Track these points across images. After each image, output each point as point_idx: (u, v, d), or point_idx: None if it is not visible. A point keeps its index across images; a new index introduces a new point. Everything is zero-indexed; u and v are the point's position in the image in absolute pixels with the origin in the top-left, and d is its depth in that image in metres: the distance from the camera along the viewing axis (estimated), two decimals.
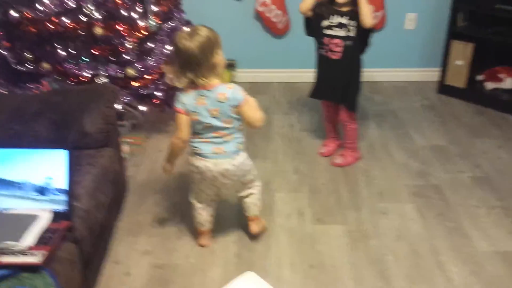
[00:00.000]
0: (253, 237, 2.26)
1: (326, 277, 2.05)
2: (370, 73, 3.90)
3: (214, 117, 1.88)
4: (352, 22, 2.48)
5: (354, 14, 2.46)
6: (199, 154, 1.97)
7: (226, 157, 1.97)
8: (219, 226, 2.33)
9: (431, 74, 3.90)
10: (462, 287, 2.00)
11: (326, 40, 2.55)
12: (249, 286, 0.81)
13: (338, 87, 2.66)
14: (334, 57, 2.57)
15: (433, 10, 3.73)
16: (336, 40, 2.53)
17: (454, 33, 3.54)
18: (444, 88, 3.71)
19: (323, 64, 2.66)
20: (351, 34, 2.51)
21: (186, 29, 1.89)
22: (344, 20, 2.48)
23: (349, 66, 2.61)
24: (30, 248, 1.50)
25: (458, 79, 3.61)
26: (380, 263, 2.12)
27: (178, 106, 1.90)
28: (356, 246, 2.22)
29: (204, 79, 1.82)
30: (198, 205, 2.15)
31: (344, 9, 2.48)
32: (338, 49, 2.55)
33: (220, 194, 2.18)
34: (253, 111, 1.92)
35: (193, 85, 1.85)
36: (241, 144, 2.01)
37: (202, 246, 2.23)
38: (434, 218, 2.40)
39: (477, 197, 2.55)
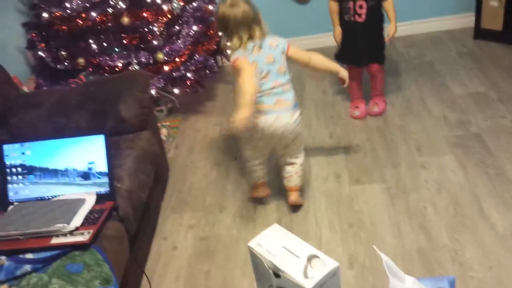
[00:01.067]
0: (292, 208, 2.31)
1: (366, 235, 2.08)
2: (403, 27, 3.79)
3: (270, 64, 2.03)
4: None
5: None
6: (262, 110, 2.02)
7: (287, 111, 2.06)
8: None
9: (466, 20, 3.73)
10: (505, 232, 1.98)
11: (350, 3, 2.57)
12: (275, 237, 0.87)
13: (365, 49, 2.70)
14: (359, 19, 2.59)
15: None
16: (360, 2, 2.55)
17: None
18: (480, 33, 3.56)
19: (348, 28, 2.68)
20: None
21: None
22: None
23: (373, 26, 2.64)
24: (78, 229, 1.63)
25: (494, 22, 3.45)
26: (420, 216, 2.13)
27: (241, 57, 1.99)
28: (395, 202, 2.23)
29: (258, 31, 2.02)
30: (254, 161, 2.26)
31: None
32: (362, 11, 2.56)
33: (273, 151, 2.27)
34: (300, 51, 2.13)
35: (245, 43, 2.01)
36: (295, 99, 2.12)
37: (262, 197, 2.37)
38: (475, 166, 2.36)
39: None
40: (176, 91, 2.94)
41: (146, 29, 2.65)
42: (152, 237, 2.27)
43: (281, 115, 2.04)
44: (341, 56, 2.78)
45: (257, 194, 2.37)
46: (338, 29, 2.72)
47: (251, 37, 2.01)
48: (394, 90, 3.13)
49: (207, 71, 2.97)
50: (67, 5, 2.56)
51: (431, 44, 3.68)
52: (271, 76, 2.03)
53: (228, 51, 2.19)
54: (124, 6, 2.58)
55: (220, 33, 2.10)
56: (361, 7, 2.56)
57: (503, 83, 2.99)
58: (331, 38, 2.82)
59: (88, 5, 2.57)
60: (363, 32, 2.65)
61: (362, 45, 2.69)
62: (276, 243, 0.87)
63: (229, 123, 2.10)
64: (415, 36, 3.81)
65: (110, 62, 2.69)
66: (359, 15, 2.58)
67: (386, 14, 2.68)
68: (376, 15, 2.62)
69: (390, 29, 2.67)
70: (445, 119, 2.76)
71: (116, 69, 2.71)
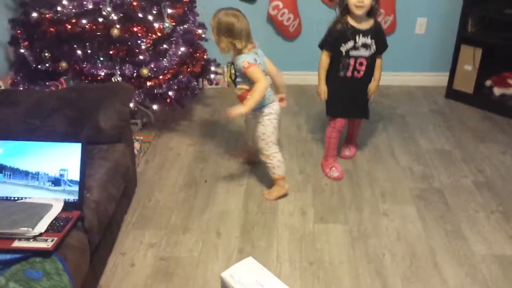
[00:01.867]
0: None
1: (325, 274, 2.13)
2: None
3: (265, 66, 2.48)
4: (374, 41, 2.56)
5: (375, 32, 2.55)
6: (272, 100, 2.51)
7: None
8: (223, 221, 2.43)
9: (440, 79, 3.94)
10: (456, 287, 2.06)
11: (352, 60, 2.58)
12: (249, 270, 0.89)
13: (361, 103, 2.77)
14: (357, 75, 2.62)
15: (443, 15, 3.77)
16: (361, 60, 2.58)
17: (463, 38, 3.58)
18: (452, 93, 3.75)
19: (344, 84, 2.64)
20: (372, 51, 2.58)
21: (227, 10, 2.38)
22: (368, 40, 2.54)
23: (367, 81, 2.70)
24: (42, 235, 1.61)
25: (466, 84, 3.65)
26: (378, 262, 2.19)
27: (251, 61, 2.34)
28: (356, 245, 2.29)
29: (253, 41, 2.42)
30: (279, 153, 2.57)
31: (365, 26, 2.53)
32: (362, 68, 2.61)
33: None
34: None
35: (242, 48, 2.37)
36: None
37: (287, 193, 2.64)
38: (434, 220, 2.46)
39: (477, 202, 2.59)
40: (155, 107, 2.95)
41: (134, 43, 2.67)
42: (111, 251, 2.24)
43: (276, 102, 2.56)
44: (334, 111, 2.75)
45: (284, 190, 2.63)
46: (324, 86, 2.67)
47: (251, 45, 2.40)
48: (365, 136, 3.23)
49: (188, 92, 3.00)
50: (59, 8, 2.56)
51: (404, 97, 3.84)
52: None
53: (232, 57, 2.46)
54: (116, 18, 2.59)
55: (215, 38, 2.31)
56: (361, 64, 2.59)
57: (468, 145, 3.14)
58: (315, 76, 2.82)
59: (81, 12, 2.57)
60: (359, 88, 2.69)
61: (356, 99, 2.73)
62: (249, 276, 0.90)
63: (226, 109, 2.33)
64: (390, 87, 3.97)
65: (93, 70, 2.68)
66: (358, 71, 2.61)
67: None
68: (371, 72, 2.67)
69: (372, 86, 2.72)
70: (410, 170, 2.87)
71: (98, 78, 2.70)
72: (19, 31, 2.87)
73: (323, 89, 2.69)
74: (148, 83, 2.79)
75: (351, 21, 2.53)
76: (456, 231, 2.38)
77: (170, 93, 2.90)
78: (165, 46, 2.80)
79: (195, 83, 3.08)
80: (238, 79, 2.43)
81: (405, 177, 2.81)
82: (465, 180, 2.78)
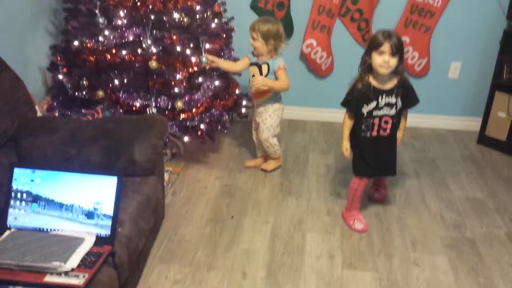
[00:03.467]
0: None
1: None
2: (411, 119, 3.88)
3: None
4: (400, 98, 2.48)
5: (400, 90, 2.47)
6: (281, 98, 3.09)
7: None
8: (248, 261, 2.39)
9: (472, 124, 3.88)
10: None
11: (376, 120, 2.50)
12: None
13: (388, 161, 2.66)
14: (384, 134, 2.54)
15: (478, 60, 3.74)
16: (386, 118, 2.51)
17: (498, 85, 3.53)
18: (484, 139, 3.69)
19: (370, 144, 2.56)
20: (398, 108, 2.51)
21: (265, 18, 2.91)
22: (392, 100, 2.46)
23: (394, 138, 2.61)
24: (74, 270, 1.59)
25: (499, 131, 3.59)
26: None
27: (285, 65, 2.89)
28: None
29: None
30: (277, 141, 3.15)
31: (389, 86, 2.46)
32: (388, 126, 2.53)
33: None
34: None
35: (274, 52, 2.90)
36: None
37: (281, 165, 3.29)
38: (466, 272, 2.38)
39: (511, 254, 2.51)
40: (185, 139, 2.96)
41: (170, 76, 2.69)
42: (136, 285, 2.21)
43: None
44: (361, 171, 2.64)
45: (280, 162, 3.29)
46: (347, 143, 2.60)
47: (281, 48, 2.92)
48: (395, 178, 3.18)
49: (219, 125, 3.01)
50: (101, 38, 2.61)
51: (435, 140, 3.79)
52: None
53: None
54: (155, 51, 2.63)
55: (260, 41, 2.82)
56: (386, 122, 2.51)
57: (501, 193, 3.06)
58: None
59: (121, 43, 2.61)
60: (387, 145, 2.59)
61: (384, 157, 2.62)
62: None
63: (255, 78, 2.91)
64: (421, 130, 3.93)
65: (129, 100, 2.71)
66: (384, 129, 2.52)
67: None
68: (396, 128, 2.58)
69: (399, 135, 2.64)
70: (442, 218, 2.80)
71: (134, 108, 2.73)
72: (59, 58, 2.94)
73: (346, 147, 2.60)
74: (182, 116, 2.80)
75: (373, 81, 2.44)
76: (489, 285, 2.30)
77: (202, 126, 2.91)
78: (200, 79, 2.82)
79: (227, 117, 3.09)
80: (268, 76, 2.90)
81: (436, 225, 2.74)
82: (498, 231, 2.70)
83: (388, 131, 2.54)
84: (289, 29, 3.67)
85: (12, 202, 1.81)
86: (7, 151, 2.17)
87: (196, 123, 2.86)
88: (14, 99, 2.22)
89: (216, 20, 2.95)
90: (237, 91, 3.22)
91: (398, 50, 2.34)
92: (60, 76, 2.90)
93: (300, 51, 3.77)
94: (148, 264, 2.35)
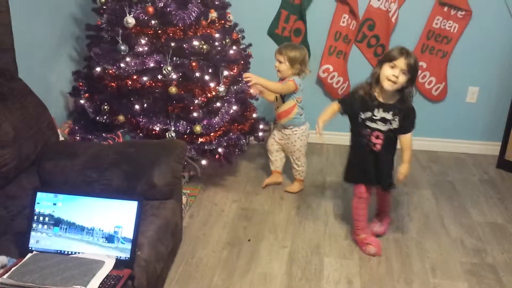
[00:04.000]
0: None
1: None
2: (429, 143, 3.94)
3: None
4: (396, 117, 2.41)
5: (400, 110, 2.40)
6: (306, 121, 3.19)
7: None
8: (265, 286, 2.38)
9: (492, 148, 3.85)
10: None
11: (367, 131, 2.46)
12: None
13: (380, 173, 2.56)
14: (374, 148, 2.48)
15: (495, 85, 3.74)
16: (377, 133, 2.45)
17: None
18: (504, 163, 3.65)
19: (362, 151, 2.53)
20: (393, 127, 2.44)
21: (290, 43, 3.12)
22: (389, 116, 2.41)
23: (388, 156, 2.53)
24: None
25: None
26: None
27: (297, 83, 2.98)
28: None
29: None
30: (306, 161, 3.30)
31: (389, 101, 2.41)
32: (378, 141, 2.46)
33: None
34: None
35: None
36: None
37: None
38: None
39: None
40: (203, 162, 2.99)
41: (189, 101, 2.74)
42: None
43: None
44: (349, 176, 2.65)
45: (303, 186, 3.33)
46: (322, 122, 2.55)
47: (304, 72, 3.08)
48: (414, 203, 3.16)
49: (237, 149, 3.03)
50: (122, 65, 2.68)
51: (454, 164, 3.76)
52: None
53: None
54: (174, 77, 2.69)
55: (286, 65, 2.98)
56: (377, 137, 2.44)
57: None
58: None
59: (142, 69, 2.68)
60: (377, 159, 2.50)
61: (375, 169, 2.53)
62: None
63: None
64: (439, 153, 3.91)
65: (148, 125, 2.76)
66: (374, 144, 2.46)
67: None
68: (392, 146, 2.50)
69: (402, 170, 2.51)
70: (462, 243, 2.77)
71: (153, 132, 2.78)
72: (81, 83, 3.01)
73: (320, 124, 2.55)
74: (200, 139, 2.84)
75: (375, 92, 2.40)
76: None
77: (219, 149, 2.94)
78: (218, 104, 2.87)
79: (244, 140, 3.12)
80: (286, 96, 3.03)
81: (456, 250, 2.71)
82: None
83: (378, 147, 2.47)
84: None
85: (34, 225, 1.84)
86: (29, 175, 2.22)
87: (214, 147, 2.89)
88: (37, 123, 2.28)
89: (234, 47, 3.01)
90: (254, 115, 3.25)
91: (411, 71, 2.29)
92: (82, 101, 2.97)
93: (316, 75, 3.80)
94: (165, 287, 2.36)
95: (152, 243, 1.98)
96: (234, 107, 2.92)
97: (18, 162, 2.11)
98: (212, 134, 2.86)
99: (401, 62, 2.28)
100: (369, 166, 2.54)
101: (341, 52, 3.73)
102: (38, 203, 1.86)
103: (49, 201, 1.86)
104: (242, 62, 3.07)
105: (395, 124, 2.43)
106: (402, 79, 2.30)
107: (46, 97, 2.49)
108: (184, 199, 2.94)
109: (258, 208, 3.09)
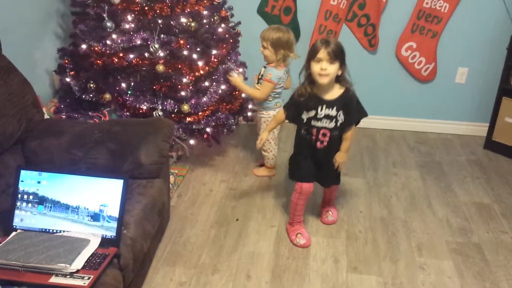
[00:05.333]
0: None
1: None
2: (418, 124, 3.95)
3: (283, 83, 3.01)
4: (340, 112, 2.35)
5: (342, 103, 2.34)
6: (280, 105, 3.00)
7: None
8: (253, 264, 2.39)
9: (479, 129, 3.87)
10: None
11: (314, 130, 2.40)
12: None
13: (326, 171, 2.53)
14: (320, 146, 2.43)
15: (485, 66, 3.73)
16: (324, 131, 2.39)
17: (505, 90, 3.53)
18: (491, 144, 3.67)
19: (308, 148, 2.47)
20: (340, 122, 2.37)
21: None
22: (332, 112, 2.34)
23: (333, 153, 2.47)
24: (79, 271, 1.60)
25: (506, 137, 3.57)
26: None
27: (274, 80, 2.87)
28: None
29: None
30: (275, 149, 3.17)
31: (330, 96, 2.34)
32: (325, 139, 2.41)
33: None
34: None
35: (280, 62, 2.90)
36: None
37: (273, 175, 3.24)
38: (472, 277, 2.37)
39: None
40: (191, 141, 2.97)
41: (177, 80, 2.71)
42: (141, 286, 2.22)
43: None
44: (294, 174, 2.57)
45: (272, 173, 3.26)
46: (266, 136, 2.53)
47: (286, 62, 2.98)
48: (401, 183, 3.18)
49: (225, 129, 3.02)
50: (108, 42, 2.63)
51: (441, 145, 3.78)
52: None
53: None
54: (162, 55, 2.65)
55: (269, 50, 2.86)
56: (324, 135, 2.39)
57: (508, 199, 3.05)
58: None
59: (128, 46, 2.63)
60: (324, 157, 2.47)
61: (321, 167, 2.51)
62: None
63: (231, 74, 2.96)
64: (427, 134, 3.93)
65: (135, 104, 2.73)
66: (322, 142, 2.41)
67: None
68: (338, 143, 2.45)
69: (337, 157, 2.47)
70: (448, 223, 2.79)
71: (140, 111, 2.75)
72: (66, 61, 2.96)
73: (262, 138, 2.52)
74: (188, 119, 2.82)
75: (315, 89, 2.33)
76: None
77: (208, 129, 2.92)
78: (206, 83, 2.84)
79: (232, 120, 3.10)
80: (260, 81, 2.94)
81: (442, 229, 2.73)
82: (504, 237, 2.69)
83: (325, 143, 2.42)
84: (295, 34, 3.67)
85: (18, 203, 1.83)
86: (14, 153, 2.19)
87: (202, 126, 2.88)
88: (21, 101, 2.23)
89: (223, 25, 2.97)
90: (243, 95, 3.23)
91: (337, 56, 2.22)
92: (68, 79, 2.92)
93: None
94: (153, 266, 2.36)
95: (139, 222, 1.97)
96: (223, 87, 2.90)
97: (2, 140, 2.07)
98: (200, 113, 2.83)
99: (323, 54, 2.21)
100: (315, 164, 2.49)
101: (331, 32, 3.70)
102: (22, 181, 1.84)
103: (33, 179, 1.84)
104: (231, 40, 3.03)
105: (340, 120, 2.37)
106: (331, 69, 2.23)
107: (31, 75, 2.44)
108: (172, 179, 2.93)
109: (246, 188, 3.09)
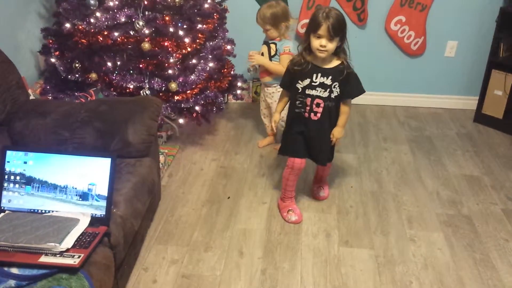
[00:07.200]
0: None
1: None
2: (407, 98, 3.95)
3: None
4: (336, 84, 2.31)
5: (338, 74, 2.30)
6: None
7: None
8: (245, 240, 2.40)
9: (469, 103, 3.88)
10: None
11: (308, 100, 2.36)
12: None
13: (319, 148, 2.49)
14: (314, 117, 2.39)
15: (474, 39, 3.72)
16: (318, 100, 2.35)
17: (494, 63, 3.53)
18: (481, 117, 3.69)
19: (301, 122, 2.43)
20: (334, 94, 2.34)
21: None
22: (328, 81, 2.31)
23: (328, 126, 2.44)
24: (68, 250, 1.59)
25: (495, 109, 3.58)
26: None
27: (293, 51, 2.89)
28: (382, 271, 2.23)
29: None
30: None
31: (327, 65, 2.31)
32: (319, 109, 2.37)
33: None
34: None
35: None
36: None
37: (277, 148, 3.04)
38: (462, 248, 2.39)
39: (507, 230, 2.52)
40: (181, 121, 2.95)
41: (164, 58, 2.67)
42: (133, 265, 2.22)
43: None
44: (286, 149, 2.54)
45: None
46: (277, 117, 2.55)
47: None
48: (392, 158, 3.19)
49: (214, 107, 2.99)
50: (92, 20, 2.58)
51: (431, 119, 3.79)
52: None
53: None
54: (147, 32, 2.60)
55: (269, 28, 2.91)
56: (318, 105, 2.35)
57: (497, 171, 3.07)
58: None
59: (113, 24, 2.58)
60: (317, 131, 2.43)
61: (314, 142, 2.47)
62: None
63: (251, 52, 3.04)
64: (417, 109, 3.93)
65: (122, 83, 2.69)
66: (315, 113, 2.37)
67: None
68: (333, 116, 2.41)
69: (334, 132, 2.44)
70: (438, 195, 2.81)
71: (127, 90, 2.71)
72: (50, 41, 2.91)
73: (275, 119, 2.55)
74: (176, 97, 2.79)
75: (311, 58, 2.31)
76: (485, 260, 2.31)
77: (196, 107, 2.90)
78: (194, 61, 2.80)
79: (222, 98, 3.07)
80: (275, 57, 2.97)
81: (433, 202, 2.75)
82: (494, 208, 2.71)
83: (318, 115, 2.37)
84: None
85: (5, 184, 1.81)
86: None
87: (191, 105, 2.85)
88: (5, 82, 2.19)
89: (209, 0, 2.91)
90: (232, 72, 3.20)
91: (336, 33, 2.18)
92: (53, 59, 2.87)
93: (295, 32, 3.73)
94: (145, 245, 2.36)
95: (128, 200, 1.96)
96: (211, 64, 2.86)
97: None
98: (188, 91, 2.80)
99: (323, 30, 2.17)
100: (309, 139, 2.46)
101: (320, 7, 3.64)
102: (8, 161, 1.81)
103: (20, 159, 1.81)
104: (217, 16, 2.98)
105: (335, 92, 2.34)
106: (331, 46, 2.21)
107: (15, 56, 2.40)
108: (162, 158, 2.91)
109: (237, 167, 3.08)
